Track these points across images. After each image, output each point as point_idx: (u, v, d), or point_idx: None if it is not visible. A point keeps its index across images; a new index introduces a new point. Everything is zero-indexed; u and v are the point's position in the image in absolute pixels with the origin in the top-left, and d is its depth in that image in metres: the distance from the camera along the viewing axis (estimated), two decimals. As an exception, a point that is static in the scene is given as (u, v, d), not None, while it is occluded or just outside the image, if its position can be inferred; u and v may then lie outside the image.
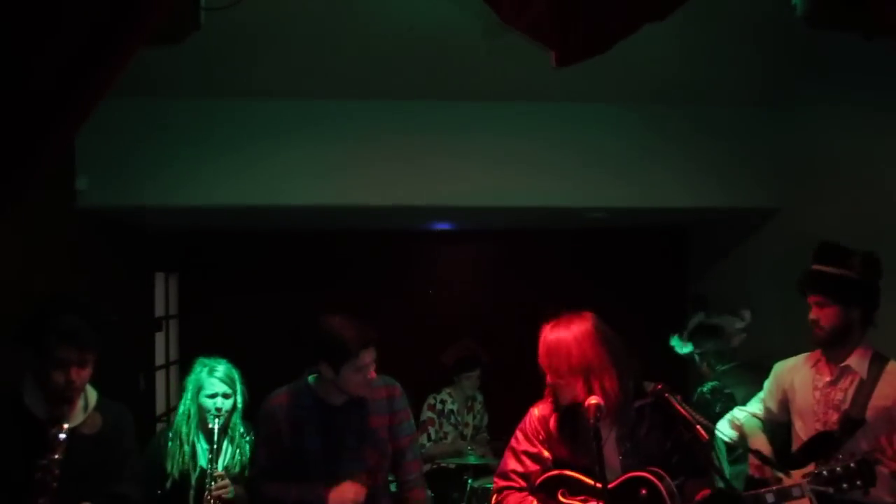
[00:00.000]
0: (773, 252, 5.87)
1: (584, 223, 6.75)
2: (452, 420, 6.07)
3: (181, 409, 3.80)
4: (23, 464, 2.98)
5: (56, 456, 2.99)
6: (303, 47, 4.61)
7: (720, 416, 4.38)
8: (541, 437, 3.06)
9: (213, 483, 3.55)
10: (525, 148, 5.39)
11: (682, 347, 5.23)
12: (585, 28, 2.35)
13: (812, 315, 3.57)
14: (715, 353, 5.13)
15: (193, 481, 3.68)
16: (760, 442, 3.70)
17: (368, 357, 3.27)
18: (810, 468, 3.38)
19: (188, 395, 3.78)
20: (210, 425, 3.67)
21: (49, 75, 1.93)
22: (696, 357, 5.20)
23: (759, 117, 5.62)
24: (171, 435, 3.78)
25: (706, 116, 5.57)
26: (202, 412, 3.74)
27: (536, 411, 3.10)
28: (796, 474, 3.44)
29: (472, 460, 5.41)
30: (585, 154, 5.44)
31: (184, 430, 3.75)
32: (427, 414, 6.02)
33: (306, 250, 7.30)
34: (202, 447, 3.76)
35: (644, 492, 2.79)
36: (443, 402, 6.09)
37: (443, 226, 7.31)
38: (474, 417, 6.24)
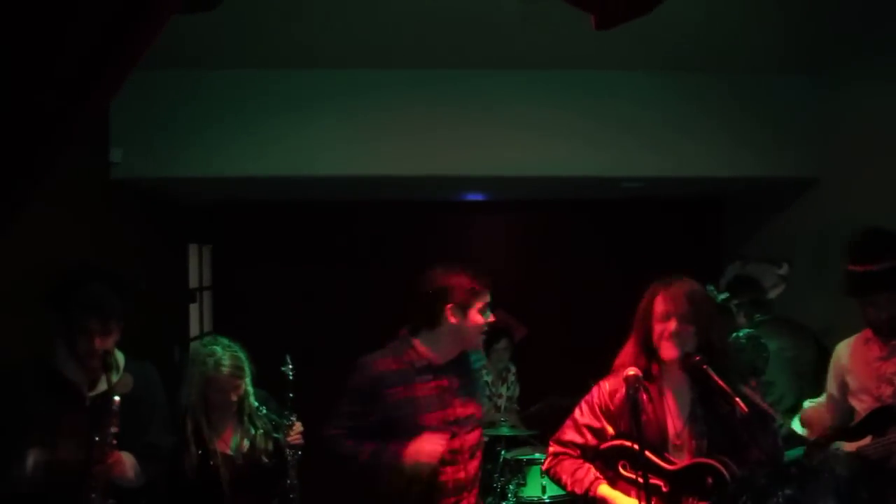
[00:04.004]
0: (811, 222, 5.78)
1: (620, 193, 6.68)
2: (487, 392, 6.07)
3: (186, 402, 3.62)
4: (59, 427, 3.09)
5: (113, 429, 3.07)
6: (335, 16, 4.57)
7: (751, 364, 4.36)
8: (608, 412, 3.02)
9: (288, 432, 3.66)
10: (559, 117, 5.34)
11: (718, 296, 5.16)
12: (626, -11, 2.29)
13: (883, 316, 3.44)
14: (752, 304, 5.06)
15: (223, 471, 3.56)
16: (813, 408, 3.71)
17: (488, 298, 3.34)
18: (865, 441, 3.37)
19: (196, 390, 3.59)
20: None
21: (81, 44, 1.91)
22: (733, 307, 5.13)
23: (796, 85, 5.52)
24: (181, 432, 3.59)
25: (743, 84, 5.48)
26: (215, 406, 3.62)
27: (607, 385, 3.06)
28: (852, 447, 3.43)
29: (504, 431, 5.41)
30: (621, 123, 5.38)
31: (196, 426, 3.59)
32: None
33: (339, 221, 7.30)
34: (219, 438, 3.64)
35: (710, 481, 2.74)
36: (478, 373, 6.09)
37: (476, 196, 7.27)
38: (508, 388, 6.24)
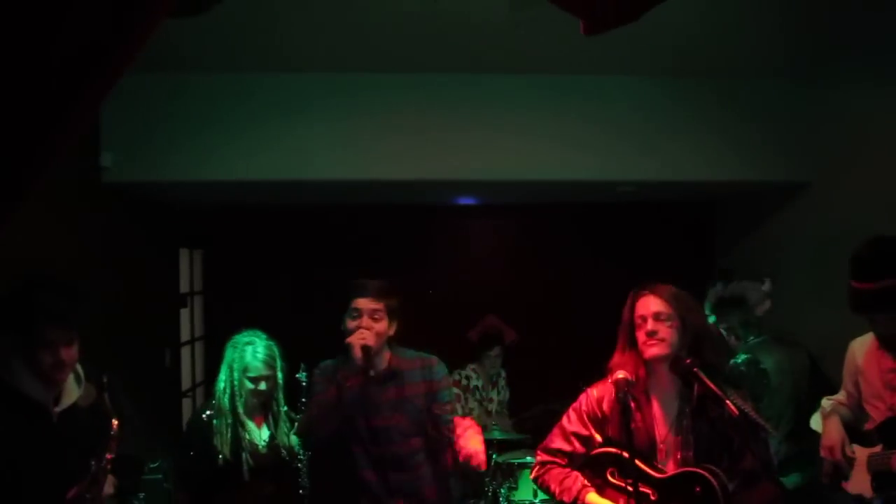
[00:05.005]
0: (802, 226, 5.80)
1: (612, 197, 6.69)
2: (477, 396, 6.08)
3: (222, 385, 3.77)
4: (29, 449, 2.98)
5: (110, 455, 3.02)
6: (327, 20, 4.56)
7: (751, 391, 4.32)
8: (596, 419, 3.02)
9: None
10: (551, 121, 5.34)
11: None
12: (616, -6, 2.29)
13: (876, 331, 3.42)
14: (742, 325, 5.03)
15: (247, 457, 3.69)
16: (832, 422, 3.67)
17: (361, 304, 3.42)
18: (878, 448, 3.37)
19: (235, 374, 3.74)
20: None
21: (71, 48, 1.91)
22: (723, 330, 5.10)
23: (788, 90, 5.54)
24: (214, 412, 3.76)
25: (735, 89, 5.50)
26: (246, 391, 3.75)
27: (595, 392, 3.06)
28: (865, 452, 3.43)
29: (496, 435, 5.41)
30: (613, 127, 5.39)
31: (231, 407, 3.73)
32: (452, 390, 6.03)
33: (331, 226, 7.29)
34: (251, 423, 3.78)
35: (699, 490, 2.74)
36: (468, 378, 6.10)
37: (468, 200, 7.28)
38: (498, 393, 6.24)
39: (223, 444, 3.68)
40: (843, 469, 3.52)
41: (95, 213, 5.04)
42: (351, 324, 3.40)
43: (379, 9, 4.44)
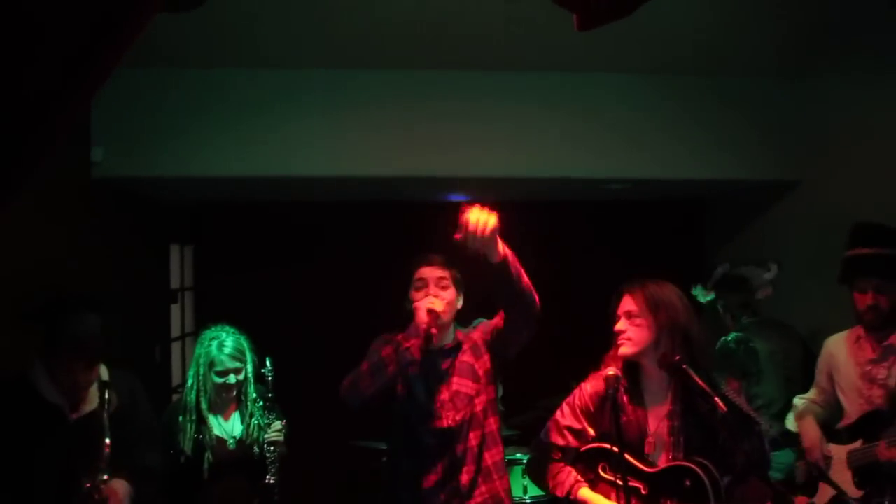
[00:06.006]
0: (793, 225, 5.81)
1: (603, 195, 6.69)
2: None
3: (189, 381, 3.77)
4: (42, 449, 3.02)
5: (104, 474, 3.02)
6: (318, 15, 4.56)
7: (741, 368, 4.34)
8: (589, 413, 3.02)
9: (265, 433, 3.69)
10: (543, 118, 5.34)
11: (704, 296, 5.13)
12: (608, -11, 2.29)
13: (869, 301, 3.45)
14: (739, 305, 5.04)
15: (209, 454, 3.66)
16: (808, 423, 3.68)
17: (425, 272, 3.37)
18: (857, 444, 3.39)
19: (201, 369, 3.74)
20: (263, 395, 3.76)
21: (61, 44, 1.90)
22: (720, 308, 5.11)
23: (779, 88, 5.56)
24: (181, 409, 3.74)
25: (727, 88, 5.51)
26: (215, 387, 3.73)
27: (588, 386, 3.07)
28: (843, 450, 3.45)
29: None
30: (605, 125, 5.39)
31: (195, 404, 3.72)
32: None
33: (322, 221, 7.27)
34: (217, 420, 3.75)
35: (688, 483, 2.74)
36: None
37: (459, 197, 7.27)
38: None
39: (185, 441, 3.66)
40: (821, 469, 3.54)
41: (85, 209, 5.02)
42: (416, 294, 3.34)
43: (369, 5, 4.43)
